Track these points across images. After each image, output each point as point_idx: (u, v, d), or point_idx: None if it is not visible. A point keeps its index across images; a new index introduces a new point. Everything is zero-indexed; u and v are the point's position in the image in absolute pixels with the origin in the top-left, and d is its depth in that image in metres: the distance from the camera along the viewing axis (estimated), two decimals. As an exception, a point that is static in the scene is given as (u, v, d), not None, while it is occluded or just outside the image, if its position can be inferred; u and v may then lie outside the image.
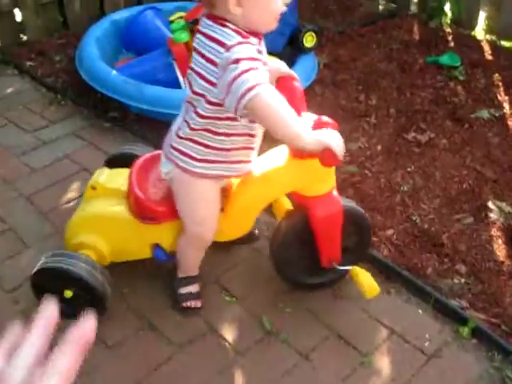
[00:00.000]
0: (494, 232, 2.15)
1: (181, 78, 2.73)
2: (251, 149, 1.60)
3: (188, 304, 1.82)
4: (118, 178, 1.85)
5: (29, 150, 2.54)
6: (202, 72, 1.44)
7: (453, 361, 1.69)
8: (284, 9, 1.44)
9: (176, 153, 1.58)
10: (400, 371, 1.65)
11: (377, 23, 3.78)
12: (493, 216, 2.22)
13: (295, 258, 1.81)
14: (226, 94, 1.37)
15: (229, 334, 1.76)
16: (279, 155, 1.67)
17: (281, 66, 1.68)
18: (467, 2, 3.64)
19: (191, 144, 1.54)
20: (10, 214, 2.18)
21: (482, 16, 3.72)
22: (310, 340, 1.73)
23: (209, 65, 1.41)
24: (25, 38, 3.44)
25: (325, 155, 1.45)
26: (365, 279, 1.74)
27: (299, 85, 1.65)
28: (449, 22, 3.78)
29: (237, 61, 1.33)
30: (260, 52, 1.46)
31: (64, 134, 2.64)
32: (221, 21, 1.41)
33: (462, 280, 1.95)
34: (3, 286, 1.89)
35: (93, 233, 1.79)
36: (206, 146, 1.54)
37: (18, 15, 3.42)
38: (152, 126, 2.63)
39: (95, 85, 2.69)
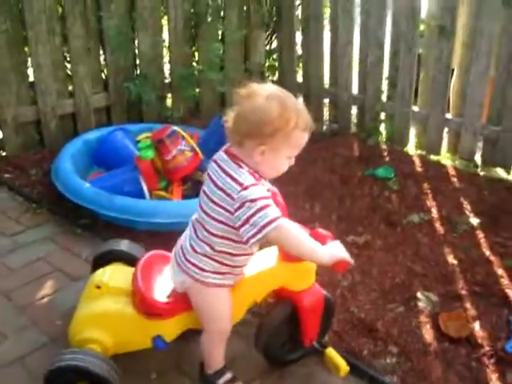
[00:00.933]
0: (423, 318, 2.44)
1: (145, 190, 3.07)
2: (253, 254, 1.90)
3: None
4: (120, 277, 2.04)
5: (6, 252, 2.79)
6: (216, 199, 1.72)
7: (385, 429, 1.93)
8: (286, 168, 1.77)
9: (193, 267, 1.82)
10: None
11: (322, 141, 4.27)
12: (421, 305, 2.53)
13: (279, 340, 2.06)
14: (243, 224, 1.64)
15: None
16: (270, 256, 1.97)
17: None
18: (398, 123, 4.18)
19: (210, 262, 1.81)
20: (-11, 309, 2.40)
21: (413, 134, 4.27)
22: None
23: (224, 195, 1.69)
24: (3, 153, 3.79)
25: (338, 265, 1.77)
26: (339, 360, 2.04)
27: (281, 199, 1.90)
28: (384, 140, 4.31)
29: (254, 200, 1.63)
30: (268, 191, 1.77)
31: (39, 239, 2.91)
32: (238, 161, 1.70)
33: (394, 359, 2.21)
34: (-15, 372, 2.08)
35: (98, 329, 1.95)
36: (223, 264, 1.82)
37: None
38: (119, 232, 2.91)
39: (70, 196, 3.00)
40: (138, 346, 2.01)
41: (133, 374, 2.06)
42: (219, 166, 1.75)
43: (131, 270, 2.03)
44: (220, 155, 1.78)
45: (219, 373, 2.00)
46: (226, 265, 1.83)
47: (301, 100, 4.92)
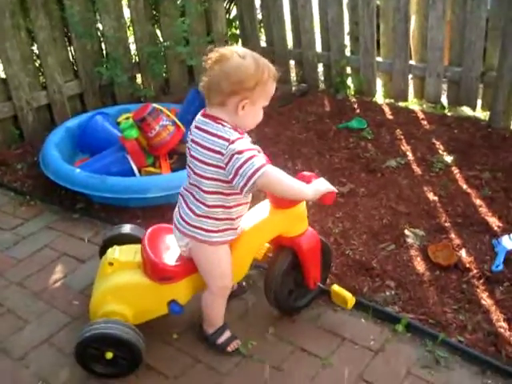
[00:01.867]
0: (413, 252, 2.63)
1: (135, 168, 3.17)
2: (247, 203, 2.03)
3: (231, 347, 2.13)
4: (129, 253, 2.17)
5: (11, 245, 2.88)
6: (206, 160, 1.84)
7: (394, 352, 2.10)
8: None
9: (197, 230, 1.95)
10: (354, 365, 2.05)
11: (293, 102, 4.41)
12: (410, 241, 2.71)
13: (286, 289, 2.20)
14: (234, 176, 1.79)
15: (212, 361, 2.13)
16: (263, 209, 2.10)
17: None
18: (364, 74, 4.32)
19: (208, 220, 1.94)
20: (5, 298, 2.49)
21: (380, 84, 4.43)
22: (279, 356, 2.12)
23: (213, 154, 1.81)
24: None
25: (325, 198, 1.99)
26: (345, 293, 2.17)
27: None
28: (353, 93, 4.45)
29: (240, 152, 1.77)
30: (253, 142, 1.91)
31: (39, 228, 3.00)
32: (220, 121, 1.83)
33: (393, 292, 2.40)
34: (12, 356, 2.19)
35: (117, 302, 2.07)
36: (221, 220, 1.95)
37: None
38: (115, 212, 3.05)
39: (63, 182, 3.08)
40: (156, 313, 2.14)
41: (155, 335, 2.20)
42: (202, 130, 1.87)
43: (138, 246, 2.16)
44: (200, 120, 1.90)
45: (219, 331, 2.14)
46: (225, 219, 1.96)
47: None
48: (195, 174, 1.91)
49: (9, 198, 3.35)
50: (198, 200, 1.94)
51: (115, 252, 2.18)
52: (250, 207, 2.08)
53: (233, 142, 1.79)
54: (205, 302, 2.10)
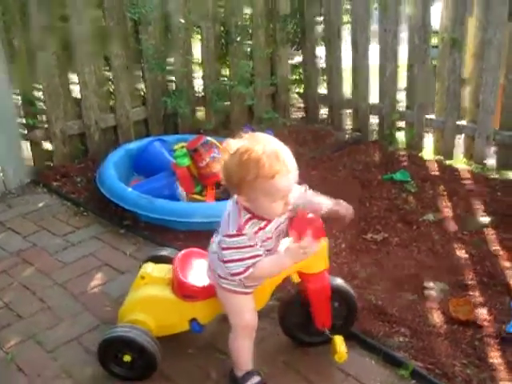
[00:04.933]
0: (433, 305, 2.69)
1: (181, 193, 3.39)
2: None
3: None
4: (162, 270, 2.34)
5: (60, 249, 3.15)
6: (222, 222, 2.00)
7: (396, 395, 2.19)
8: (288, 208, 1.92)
9: (213, 270, 2.09)
10: (355, 403, 2.15)
11: (344, 149, 4.55)
12: (432, 293, 2.78)
13: (299, 322, 2.33)
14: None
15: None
16: (285, 242, 2.18)
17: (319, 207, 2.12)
18: (417, 129, 4.44)
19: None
20: (47, 296, 2.74)
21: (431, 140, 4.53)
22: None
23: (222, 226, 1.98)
24: (51, 163, 4.18)
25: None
26: (339, 348, 2.23)
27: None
28: (404, 146, 4.57)
29: (224, 249, 1.92)
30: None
31: (88, 238, 3.27)
32: (240, 205, 1.91)
33: (406, 339, 2.46)
34: (45, 348, 2.41)
35: (143, 312, 2.24)
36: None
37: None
38: (158, 232, 3.26)
39: (115, 199, 3.35)
40: (177, 328, 2.30)
41: (171, 348, 2.34)
42: (232, 201, 1.98)
43: (171, 266, 2.33)
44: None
45: (248, 375, 2.13)
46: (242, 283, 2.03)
47: (325, 110, 5.24)
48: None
49: (66, 207, 3.65)
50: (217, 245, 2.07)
51: (148, 268, 2.37)
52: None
53: (228, 236, 1.91)
54: (230, 342, 2.14)
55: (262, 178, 1.77)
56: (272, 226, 1.98)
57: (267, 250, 2.00)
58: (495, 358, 2.36)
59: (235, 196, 1.93)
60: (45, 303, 2.69)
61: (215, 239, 2.09)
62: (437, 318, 2.61)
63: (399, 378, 2.26)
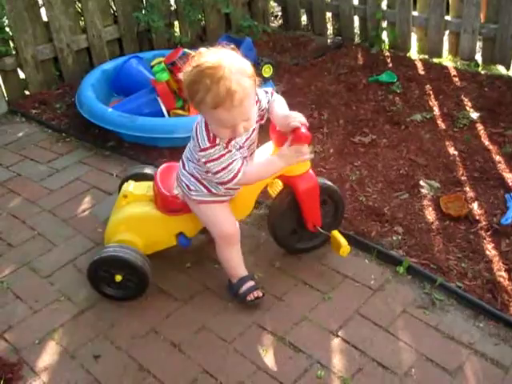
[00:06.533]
0: (425, 202, 2.70)
1: (164, 110, 3.30)
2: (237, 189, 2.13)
3: (250, 297, 2.12)
4: (143, 187, 2.32)
5: (45, 176, 3.09)
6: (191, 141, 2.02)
7: (393, 291, 2.20)
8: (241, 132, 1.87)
9: (182, 183, 2.09)
10: (353, 301, 2.16)
11: (327, 54, 4.43)
12: (424, 191, 2.78)
13: (287, 227, 2.32)
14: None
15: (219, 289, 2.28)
16: (266, 148, 2.19)
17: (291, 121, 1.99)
18: (400, 29, 4.30)
19: (197, 184, 2.06)
20: (37, 223, 2.71)
21: (414, 39, 4.40)
22: (283, 287, 2.26)
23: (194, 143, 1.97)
24: (28, 92, 4.04)
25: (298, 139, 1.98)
26: (341, 240, 2.25)
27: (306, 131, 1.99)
28: (387, 47, 4.44)
29: (206, 163, 1.91)
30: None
31: (72, 163, 3.20)
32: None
33: (399, 237, 2.48)
34: (40, 274, 2.40)
35: (128, 231, 2.22)
36: (208, 190, 2.06)
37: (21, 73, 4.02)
38: (143, 151, 3.20)
39: (96, 121, 3.26)
40: (165, 244, 2.29)
41: (166, 264, 2.36)
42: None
43: (151, 183, 2.29)
44: None
45: (241, 281, 2.16)
46: (211, 192, 2.07)
47: (304, 16, 5.06)
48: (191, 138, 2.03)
49: (47, 134, 3.56)
50: (188, 158, 2.07)
51: (130, 186, 2.32)
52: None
53: (202, 150, 1.90)
54: (218, 254, 2.17)
55: (205, 104, 1.75)
56: (242, 137, 1.96)
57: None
58: (489, 249, 2.39)
59: None
60: (35, 230, 2.67)
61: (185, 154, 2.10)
62: (429, 215, 2.62)
63: (395, 274, 2.29)
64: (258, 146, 2.16)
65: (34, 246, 2.56)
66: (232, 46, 1.84)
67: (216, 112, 1.75)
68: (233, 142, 1.94)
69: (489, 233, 2.49)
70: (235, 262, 2.18)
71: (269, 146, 2.20)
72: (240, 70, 1.75)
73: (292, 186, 2.20)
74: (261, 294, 2.15)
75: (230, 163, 1.91)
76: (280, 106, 2.06)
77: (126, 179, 2.47)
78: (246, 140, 2.00)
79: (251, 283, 2.17)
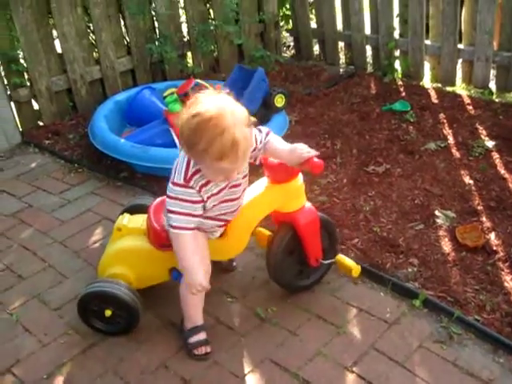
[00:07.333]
0: (441, 233, 2.64)
1: (176, 140, 3.29)
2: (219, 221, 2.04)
3: (199, 351, 2.05)
4: (136, 221, 2.26)
5: (57, 207, 3.08)
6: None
7: (409, 325, 2.14)
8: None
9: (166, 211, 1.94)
10: (368, 335, 2.11)
11: (339, 84, 4.43)
12: (439, 221, 2.73)
13: (287, 265, 2.25)
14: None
15: (232, 323, 2.23)
16: (260, 184, 2.14)
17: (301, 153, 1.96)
18: (413, 57, 4.30)
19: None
20: (48, 255, 2.68)
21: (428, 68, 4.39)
22: (296, 322, 2.20)
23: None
24: (41, 122, 4.07)
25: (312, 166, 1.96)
26: (349, 262, 2.21)
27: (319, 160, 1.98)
28: (400, 76, 4.44)
29: (169, 198, 1.85)
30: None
31: (84, 194, 3.19)
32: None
33: (415, 269, 2.43)
34: (50, 306, 2.37)
35: (121, 265, 2.17)
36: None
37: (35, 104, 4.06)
38: (155, 181, 3.18)
39: (108, 152, 3.26)
40: (158, 278, 2.24)
41: (165, 304, 2.26)
42: None
43: (146, 215, 2.23)
44: None
45: (193, 330, 2.09)
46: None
47: (316, 46, 5.08)
48: None
49: (59, 165, 3.56)
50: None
51: (124, 219, 2.28)
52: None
53: (172, 184, 1.85)
54: (180, 295, 2.09)
55: (209, 155, 1.69)
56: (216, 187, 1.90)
57: (213, 205, 1.93)
58: (508, 281, 2.33)
59: None
60: (46, 262, 2.64)
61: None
62: (445, 246, 2.57)
63: (411, 307, 2.23)
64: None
65: (45, 278, 2.53)
66: (227, 90, 1.80)
67: (219, 163, 1.70)
68: (209, 187, 1.86)
69: (507, 264, 2.43)
70: (193, 308, 2.10)
71: (262, 181, 2.15)
72: (241, 120, 1.71)
73: (292, 222, 2.14)
74: (209, 350, 2.07)
75: (187, 214, 1.85)
76: (280, 143, 2.01)
77: (125, 210, 2.44)
78: (220, 192, 1.91)
79: (202, 336, 2.09)
